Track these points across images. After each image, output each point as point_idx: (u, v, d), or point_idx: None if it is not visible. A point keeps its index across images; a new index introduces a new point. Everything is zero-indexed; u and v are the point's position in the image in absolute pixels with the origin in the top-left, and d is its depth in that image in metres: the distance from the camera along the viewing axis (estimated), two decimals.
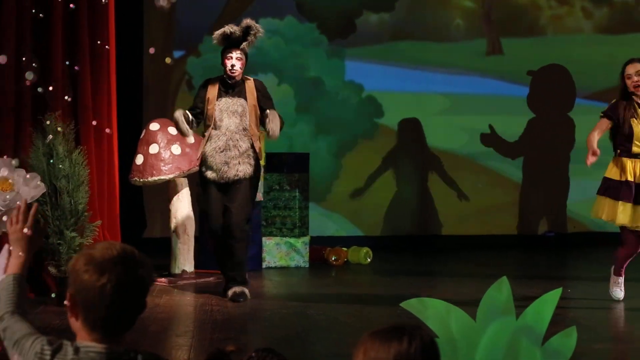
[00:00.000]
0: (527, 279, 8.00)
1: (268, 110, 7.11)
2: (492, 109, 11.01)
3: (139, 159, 8.07)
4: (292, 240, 9.10)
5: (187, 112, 7.12)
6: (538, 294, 3.67)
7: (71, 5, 6.95)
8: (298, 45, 10.67)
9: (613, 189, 6.74)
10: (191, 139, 7.49)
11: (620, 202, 6.66)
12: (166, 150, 8.01)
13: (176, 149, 7.97)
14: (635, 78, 6.72)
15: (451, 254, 10.22)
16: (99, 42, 7.67)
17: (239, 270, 7.13)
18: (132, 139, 8.54)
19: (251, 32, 7.07)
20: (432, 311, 3.52)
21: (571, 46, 11.17)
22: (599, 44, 11.06)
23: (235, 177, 7.02)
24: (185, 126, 7.03)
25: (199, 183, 7.30)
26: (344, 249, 9.44)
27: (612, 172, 6.80)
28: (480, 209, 11.04)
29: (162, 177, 8.02)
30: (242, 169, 7.03)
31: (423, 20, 10.99)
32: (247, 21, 7.12)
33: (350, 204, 10.76)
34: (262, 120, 7.18)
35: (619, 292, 6.89)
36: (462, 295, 6.41)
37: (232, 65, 7.04)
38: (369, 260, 9.40)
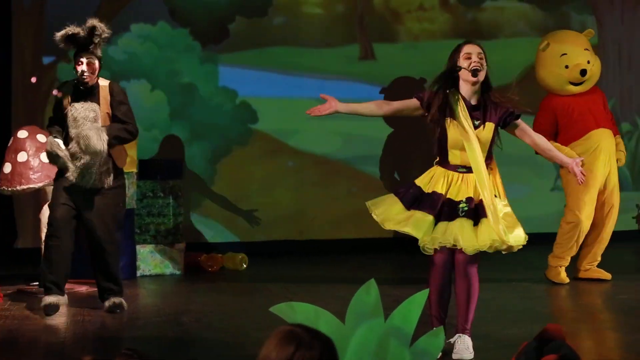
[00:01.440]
0: (399, 281, 8.11)
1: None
2: None
3: (7, 168, 7.88)
4: (166, 247, 9.02)
5: (57, 139, 6.78)
6: (410, 295, 3.71)
7: None
8: (171, 51, 10.58)
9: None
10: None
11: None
12: (35, 158, 7.84)
13: (45, 157, 7.81)
14: (476, 59, 5.38)
15: (326, 258, 10.27)
16: None
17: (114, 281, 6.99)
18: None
19: (96, 32, 6.85)
20: (301, 315, 3.54)
21: (441, 52, 11.36)
22: None
23: (93, 186, 6.84)
24: (64, 158, 6.75)
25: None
26: (220, 255, 9.41)
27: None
28: (356, 213, 11.13)
29: (31, 186, 7.85)
30: (99, 178, 6.84)
31: (296, 26, 11.04)
32: (92, 21, 6.90)
33: (225, 210, 10.72)
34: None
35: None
36: (336, 299, 6.46)
37: (83, 71, 6.80)
38: (244, 266, 9.38)
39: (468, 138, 5.21)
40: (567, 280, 8.00)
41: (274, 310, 3.60)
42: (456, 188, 5.26)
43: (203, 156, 10.62)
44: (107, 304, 6.93)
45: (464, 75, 5.32)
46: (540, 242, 11.28)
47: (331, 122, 10.96)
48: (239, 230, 10.75)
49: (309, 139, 10.97)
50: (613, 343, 5.86)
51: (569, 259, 8.14)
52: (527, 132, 5.56)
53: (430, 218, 5.21)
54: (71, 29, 6.83)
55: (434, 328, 4.97)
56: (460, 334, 5.28)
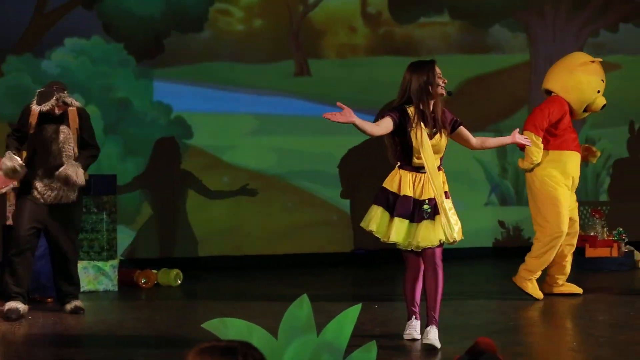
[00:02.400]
0: (333, 297, 8.12)
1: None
2: (300, 129, 11.15)
3: None
4: (100, 263, 8.92)
5: (16, 156, 7.19)
6: (343, 310, 3.71)
7: None
8: (105, 65, 10.51)
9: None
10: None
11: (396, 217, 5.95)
12: None
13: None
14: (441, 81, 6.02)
15: (261, 273, 10.26)
16: None
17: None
18: None
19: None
20: (234, 331, 3.52)
21: (377, 68, 11.44)
22: (400, 67, 11.34)
23: (59, 202, 7.30)
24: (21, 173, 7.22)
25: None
26: (154, 271, 9.33)
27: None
28: (290, 228, 11.15)
29: None
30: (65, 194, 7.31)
31: (231, 41, 11.04)
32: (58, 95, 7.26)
33: (160, 225, 10.66)
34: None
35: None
36: (270, 315, 6.44)
37: (54, 107, 7.23)
38: (179, 282, 9.32)
39: (423, 145, 5.86)
40: (542, 295, 8.01)
41: (206, 327, 3.58)
42: (420, 188, 5.93)
43: (137, 171, 10.56)
44: (69, 306, 7.47)
45: (438, 91, 5.95)
46: (474, 256, 11.48)
47: (266, 138, 11.02)
48: (174, 246, 10.70)
49: (244, 154, 10.96)
50: (545, 356, 5.92)
51: (539, 274, 8.12)
52: (468, 135, 6.21)
53: (406, 223, 5.90)
54: (45, 107, 7.17)
55: (412, 321, 6.08)
56: (432, 325, 5.92)
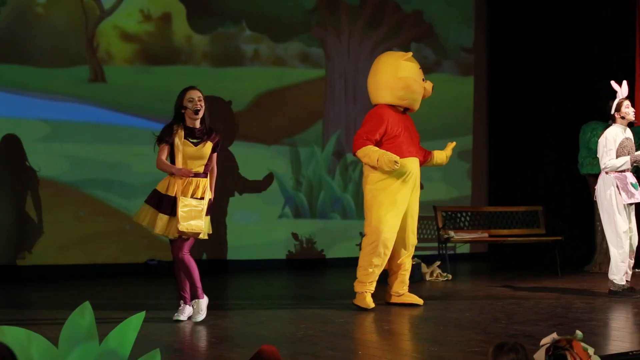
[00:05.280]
0: (124, 306, 8.01)
1: None
2: (94, 136, 10.95)
3: None
4: None
5: None
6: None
7: None
8: None
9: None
10: None
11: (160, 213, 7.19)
12: None
13: None
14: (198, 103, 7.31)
15: (50, 284, 10.00)
16: None
17: None
18: None
19: None
20: (12, 339, 3.42)
21: (173, 76, 11.38)
22: (197, 75, 11.36)
23: None
24: None
25: None
26: None
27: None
28: (82, 238, 10.93)
29: None
30: None
31: (23, 44, 10.72)
32: None
33: None
34: None
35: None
36: (54, 325, 6.28)
37: None
38: None
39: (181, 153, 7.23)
40: (373, 304, 8.03)
41: None
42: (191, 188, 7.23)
43: None
44: None
45: (189, 114, 7.33)
46: (267, 268, 11.57)
47: (58, 145, 10.75)
48: None
49: (35, 161, 10.66)
50: None
51: (374, 284, 8.14)
52: (214, 158, 7.49)
53: (166, 217, 7.16)
54: None
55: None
56: (198, 299, 7.32)
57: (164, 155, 7.24)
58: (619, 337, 6.60)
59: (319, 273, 11.56)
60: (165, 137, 7.25)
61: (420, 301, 8.32)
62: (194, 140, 7.26)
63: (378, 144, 8.07)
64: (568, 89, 13.04)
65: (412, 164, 8.20)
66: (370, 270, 8.08)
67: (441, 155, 8.62)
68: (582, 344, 4.07)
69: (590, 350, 4.11)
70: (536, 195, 13.08)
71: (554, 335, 4.01)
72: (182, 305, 7.39)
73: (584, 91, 12.54)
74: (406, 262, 8.41)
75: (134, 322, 3.60)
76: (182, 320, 7.21)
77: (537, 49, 13.47)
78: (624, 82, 8.97)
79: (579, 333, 4.11)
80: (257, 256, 11.65)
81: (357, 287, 8.15)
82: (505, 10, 13.81)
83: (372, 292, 8.16)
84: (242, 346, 6.20)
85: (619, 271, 8.89)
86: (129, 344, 3.56)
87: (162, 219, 7.17)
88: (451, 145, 8.64)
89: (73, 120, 10.90)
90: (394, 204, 8.08)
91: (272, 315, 7.87)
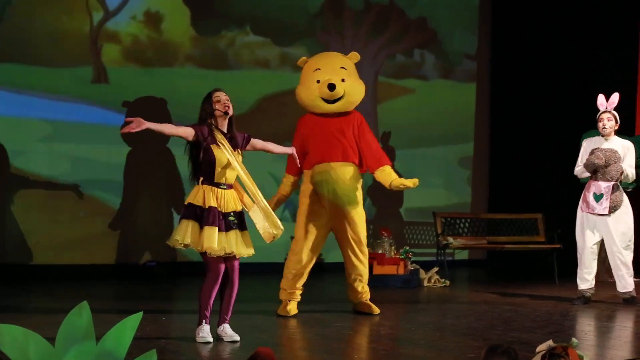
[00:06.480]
0: (120, 308, 8.02)
1: None
2: (96, 137, 10.97)
3: None
4: None
5: None
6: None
7: None
8: None
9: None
10: None
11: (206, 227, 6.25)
12: None
13: None
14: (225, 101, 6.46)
15: (49, 284, 10.01)
16: None
17: None
18: None
19: None
20: (9, 338, 3.43)
21: (177, 78, 11.41)
22: (199, 78, 11.38)
23: None
24: None
25: None
26: None
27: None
28: (81, 238, 10.93)
29: None
30: None
31: (27, 43, 10.71)
32: None
33: None
34: None
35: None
36: (52, 325, 6.30)
37: None
38: None
39: (230, 160, 6.38)
40: (295, 311, 8.01)
41: None
42: (224, 202, 6.38)
43: None
44: None
45: (218, 113, 6.46)
46: (265, 271, 11.59)
47: (60, 145, 10.76)
48: None
49: (36, 160, 10.68)
50: None
51: (298, 293, 8.10)
52: (257, 142, 6.84)
53: (215, 230, 6.24)
54: None
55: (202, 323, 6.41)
56: (226, 324, 6.53)
57: (181, 129, 6.33)
58: (615, 346, 6.61)
59: (316, 277, 11.56)
60: (202, 127, 6.42)
61: (376, 310, 8.13)
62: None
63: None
64: (570, 97, 13.06)
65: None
66: (290, 278, 8.15)
67: (387, 177, 8.08)
68: (578, 351, 4.09)
69: (586, 358, 4.13)
70: (536, 202, 13.09)
71: (550, 343, 4.03)
72: (203, 323, 6.44)
73: (586, 99, 12.56)
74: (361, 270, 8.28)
75: (131, 323, 3.61)
76: (210, 341, 6.40)
77: (539, 57, 13.50)
78: (613, 95, 8.98)
79: (574, 340, 4.13)
80: (255, 259, 11.62)
81: (282, 295, 8.15)
82: (508, 18, 13.84)
83: (297, 301, 8.15)
84: (238, 348, 6.21)
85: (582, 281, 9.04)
86: (125, 344, 3.57)
87: (214, 234, 6.26)
88: (411, 182, 7.93)
89: (75, 121, 10.92)
90: (312, 212, 8.08)
91: (269, 318, 7.88)
